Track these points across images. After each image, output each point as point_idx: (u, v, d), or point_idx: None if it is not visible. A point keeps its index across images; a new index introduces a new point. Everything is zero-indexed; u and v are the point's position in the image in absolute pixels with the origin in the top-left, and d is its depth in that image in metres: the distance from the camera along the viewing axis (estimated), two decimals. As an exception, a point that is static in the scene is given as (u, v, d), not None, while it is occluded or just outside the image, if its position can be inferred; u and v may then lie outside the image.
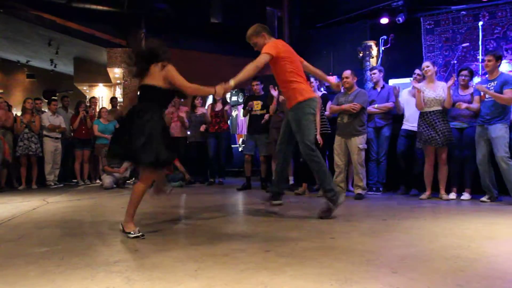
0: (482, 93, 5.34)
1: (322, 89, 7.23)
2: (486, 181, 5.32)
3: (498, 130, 5.15)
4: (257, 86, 7.09)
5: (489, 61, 5.32)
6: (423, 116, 5.64)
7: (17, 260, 2.64)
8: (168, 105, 4.51)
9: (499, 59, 5.35)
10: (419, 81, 6.20)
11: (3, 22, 10.21)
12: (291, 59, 4.17)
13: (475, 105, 5.50)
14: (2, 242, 3.22)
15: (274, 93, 6.50)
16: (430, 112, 5.58)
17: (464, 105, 5.48)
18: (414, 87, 5.82)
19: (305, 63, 4.47)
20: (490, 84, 5.31)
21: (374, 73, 6.55)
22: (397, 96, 6.23)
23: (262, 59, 3.97)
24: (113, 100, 10.06)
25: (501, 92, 5.16)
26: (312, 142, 4.09)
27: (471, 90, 5.73)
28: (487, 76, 5.55)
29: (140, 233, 3.27)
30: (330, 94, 6.85)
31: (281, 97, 6.46)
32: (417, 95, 5.63)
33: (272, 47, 4.06)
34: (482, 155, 5.33)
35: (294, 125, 4.14)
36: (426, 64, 5.75)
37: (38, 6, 9.50)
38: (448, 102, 5.53)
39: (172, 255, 2.66)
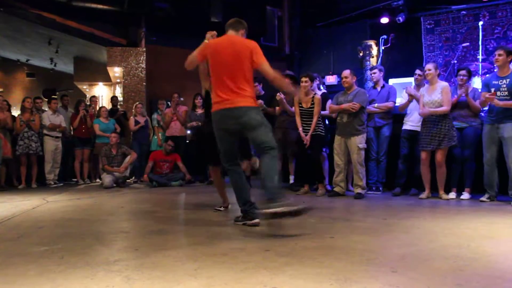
0: (493, 90, 5.15)
1: (322, 87, 7.22)
2: (492, 180, 5.28)
3: (511, 130, 5.06)
4: (257, 87, 7.07)
5: (499, 55, 5.13)
6: (425, 117, 5.63)
7: (16, 259, 2.64)
8: None
9: (510, 54, 5.13)
10: (419, 81, 6.20)
11: (3, 21, 10.20)
12: (214, 67, 3.74)
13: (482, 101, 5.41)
14: (1, 241, 3.22)
15: (281, 95, 6.49)
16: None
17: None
18: (408, 94, 5.87)
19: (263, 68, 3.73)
20: (501, 81, 5.15)
21: (375, 73, 6.54)
22: (411, 94, 6.08)
23: (189, 59, 3.83)
24: (113, 99, 10.05)
25: None
26: (222, 156, 3.84)
27: (469, 89, 5.71)
28: (496, 71, 5.39)
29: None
30: (331, 93, 6.85)
31: (279, 96, 6.47)
32: (420, 101, 5.63)
33: (201, 50, 3.79)
34: (490, 154, 5.26)
35: None
36: (427, 67, 5.65)
37: (38, 5, 9.49)
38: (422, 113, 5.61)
39: (172, 255, 2.66)
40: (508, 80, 5.10)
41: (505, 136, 5.09)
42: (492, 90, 5.17)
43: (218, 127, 3.74)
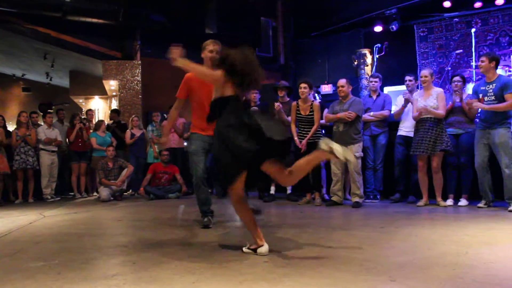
0: (481, 96, 5.27)
1: (317, 97, 7.26)
2: (485, 186, 5.30)
3: (501, 136, 5.10)
4: (255, 95, 7.09)
5: (482, 61, 5.27)
6: (417, 123, 5.66)
7: (14, 275, 2.62)
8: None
9: (492, 60, 5.24)
10: (411, 87, 6.23)
11: (-1, 36, 10.25)
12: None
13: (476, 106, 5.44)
14: (-2, 257, 3.20)
15: (280, 105, 6.51)
16: (422, 119, 5.59)
17: (475, 103, 5.32)
18: (405, 100, 5.90)
19: None
20: (488, 87, 5.24)
21: (376, 81, 6.55)
22: (409, 99, 6.08)
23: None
24: (115, 111, 9.89)
25: (501, 95, 5.10)
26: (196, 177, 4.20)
27: (464, 95, 5.75)
28: (484, 78, 5.48)
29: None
30: (327, 102, 6.87)
31: (277, 105, 6.49)
32: (414, 106, 5.66)
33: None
34: (481, 159, 5.29)
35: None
36: (424, 73, 5.72)
37: (33, 20, 9.51)
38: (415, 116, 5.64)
39: (170, 268, 2.65)
40: (494, 85, 5.20)
41: (496, 141, 5.13)
42: (480, 96, 5.27)
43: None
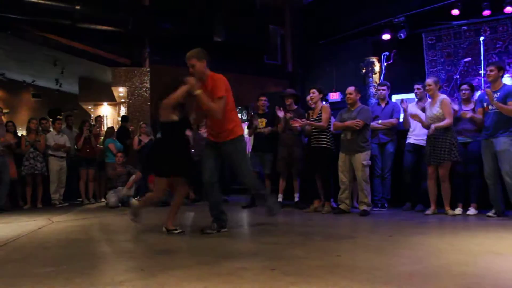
0: (485, 105, 5.28)
1: (324, 102, 7.26)
2: (495, 195, 5.26)
3: (503, 144, 5.08)
4: (264, 102, 7.10)
5: (491, 71, 5.28)
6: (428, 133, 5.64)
7: (22, 280, 2.64)
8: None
9: (501, 69, 5.29)
10: (420, 95, 6.22)
11: (10, 43, 10.36)
12: (230, 97, 4.30)
13: (478, 116, 5.47)
14: (7, 262, 3.22)
15: (280, 113, 6.52)
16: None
17: (469, 114, 5.48)
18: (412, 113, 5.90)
19: None
20: (493, 96, 5.22)
21: (384, 89, 6.55)
22: (406, 109, 6.15)
23: (222, 105, 4.12)
24: (124, 118, 9.99)
25: (505, 103, 5.06)
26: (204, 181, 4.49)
27: (473, 105, 5.73)
28: (489, 87, 5.53)
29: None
30: (334, 110, 6.85)
31: (288, 114, 6.49)
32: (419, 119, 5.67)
33: (225, 87, 4.16)
34: (489, 168, 5.26)
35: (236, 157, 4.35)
36: (427, 82, 5.70)
37: (44, 27, 9.63)
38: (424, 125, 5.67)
39: (177, 275, 2.65)
40: (498, 93, 5.20)
41: (498, 149, 5.13)
42: (485, 105, 5.29)
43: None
